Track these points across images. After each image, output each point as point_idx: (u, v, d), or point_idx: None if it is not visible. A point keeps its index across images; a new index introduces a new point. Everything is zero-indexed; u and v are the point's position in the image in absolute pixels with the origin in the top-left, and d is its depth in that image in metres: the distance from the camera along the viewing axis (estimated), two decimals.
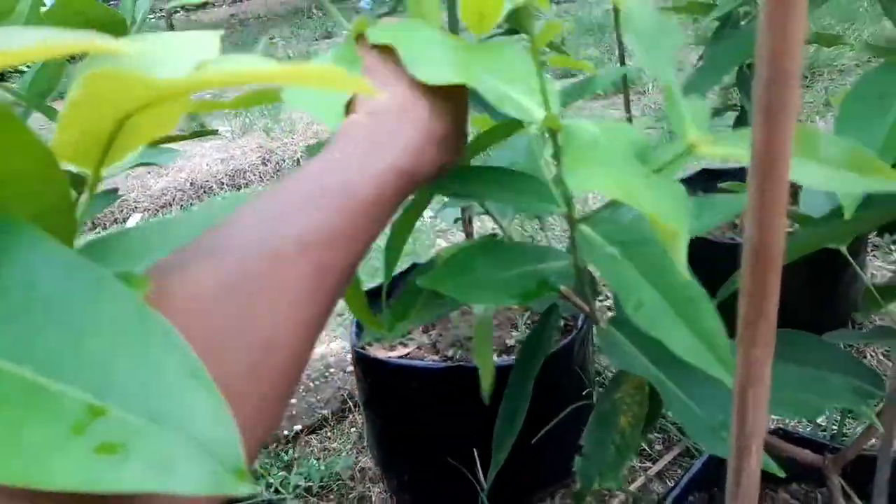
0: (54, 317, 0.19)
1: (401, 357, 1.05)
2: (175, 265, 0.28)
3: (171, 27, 4.84)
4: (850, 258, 0.71)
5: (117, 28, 0.75)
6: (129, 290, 0.20)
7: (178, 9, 5.50)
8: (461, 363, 1.02)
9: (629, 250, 0.42)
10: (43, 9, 0.73)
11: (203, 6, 5.83)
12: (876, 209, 0.49)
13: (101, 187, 0.94)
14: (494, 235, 0.61)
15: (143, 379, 0.18)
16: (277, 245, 0.29)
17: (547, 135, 0.39)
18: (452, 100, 0.39)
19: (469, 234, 1.01)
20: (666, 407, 0.48)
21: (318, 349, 1.45)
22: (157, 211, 2.40)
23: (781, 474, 0.45)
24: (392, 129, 0.36)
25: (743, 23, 0.98)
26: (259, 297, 0.27)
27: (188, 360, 0.19)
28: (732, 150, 0.27)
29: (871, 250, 1.46)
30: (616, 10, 1.23)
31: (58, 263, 0.20)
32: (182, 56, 0.35)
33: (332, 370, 1.39)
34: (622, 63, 1.32)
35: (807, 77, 2.63)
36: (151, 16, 5.25)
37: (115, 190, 0.94)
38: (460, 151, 0.42)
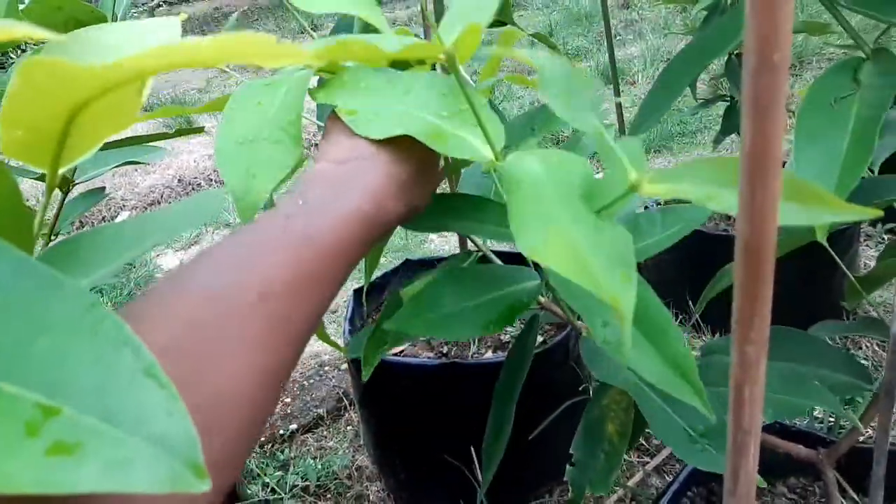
0: (1, 317, 0.18)
1: (395, 354, 1.04)
2: (132, 314, 0.27)
3: None
4: (830, 248, 0.71)
5: (97, 24, 0.73)
6: (80, 287, 0.19)
7: (161, 3, 5.45)
8: (456, 360, 1.01)
9: None
10: (21, 6, 0.71)
11: (186, 0, 5.78)
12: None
13: (88, 186, 0.92)
14: (469, 253, 0.60)
15: (96, 377, 0.18)
16: (235, 296, 0.29)
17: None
18: (418, 144, 0.38)
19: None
20: (645, 417, 0.47)
21: (312, 347, 1.44)
22: (146, 208, 2.37)
23: (763, 485, 0.45)
24: (355, 174, 0.36)
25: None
26: (215, 349, 0.27)
27: (141, 357, 0.19)
28: (675, 186, 0.26)
29: (864, 240, 1.46)
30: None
31: (2, 263, 0.19)
32: (137, 43, 0.34)
33: (326, 368, 1.38)
34: (611, 53, 1.31)
35: (795, 66, 2.63)
36: (134, 10, 5.19)
37: (102, 189, 0.92)
38: (428, 195, 0.42)
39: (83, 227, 2.23)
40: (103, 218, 2.31)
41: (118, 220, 2.29)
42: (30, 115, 0.26)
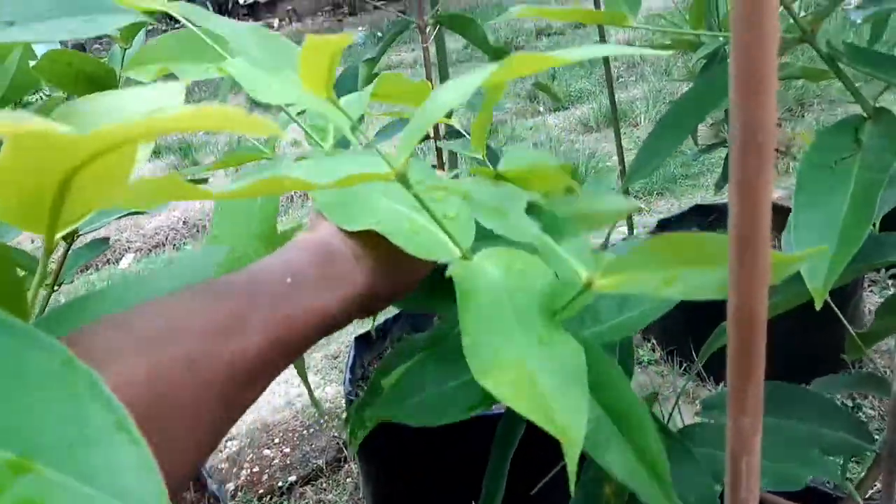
0: None
1: None
2: (96, 348, 0.27)
3: None
4: (832, 300, 0.70)
5: (106, 78, 0.75)
6: (55, 342, 0.19)
7: None
8: None
9: None
10: (32, 62, 0.72)
11: None
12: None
13: (92, 236, 0.93)
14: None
15: (70, 433, 0.18)
16: (205, 370, 0.28)
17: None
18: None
19: None
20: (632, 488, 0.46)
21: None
22: (150, 251, 2.38)
23: None
24: (344, 274, 0.36)
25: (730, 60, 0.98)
26: (171, 425, 0.27)
27: (114, 411, 0.18)
28: (627, 276, 0.26)
29: (868, 286, 1.45)
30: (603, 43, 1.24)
31: None
32: (142, 110, 0.34)
33: (326, 416, 1.37)
34: (612, 97, 1.33)
35: (796, 109, 2.65)
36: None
37: (106, 240, 0.93)
38: (403, 296, 0.42)
39: (87, 269, 2.24)
40: (108, 260, 2.32)
41: (123, 262, 2.30)
42: (22, 183, 0.27)
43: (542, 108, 3.21)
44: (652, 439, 0.34)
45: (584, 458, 0.56)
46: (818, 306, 0.43)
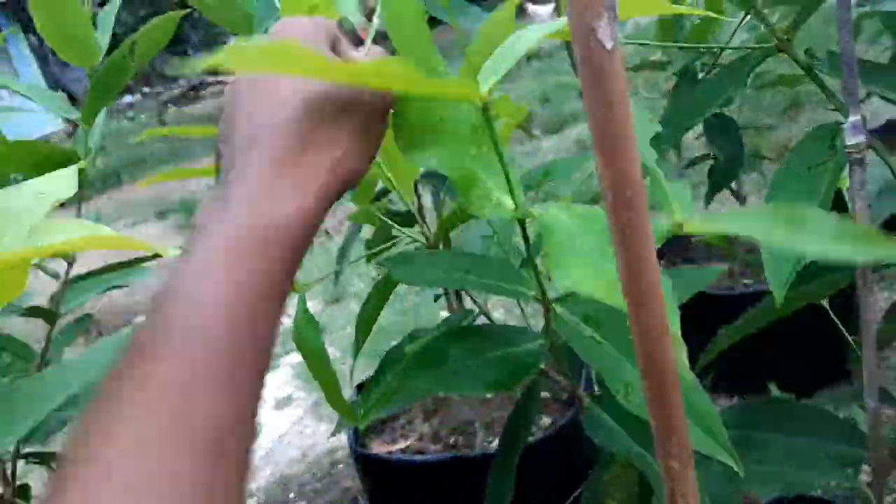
0: None
1: (401, 451, 1.02)
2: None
3: (163, 122, 5.06)
4: (832, 313, 0.69)
5: (69, 161, 0.76)
6: None
7: (170, 104, 5.68)
8: (460, 453, 0.99)
9: (607, 330, 0.41)
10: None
11: (195, 99, 6.03)
12: (819, 281, 0.48)
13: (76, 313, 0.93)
14: (470, 311, 0.61)
15: None
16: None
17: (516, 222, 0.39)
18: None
19: (455, 311, 0.98)
20: (653, 486, 0.45)
21: (324, 444, 1.41)
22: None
23: None
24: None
25: (701, 75, 0.97)
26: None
27: None
28: (720, 226, 0.26)
29: (879, 281, 1.42)
30: None
31: None
32: (35, 207, 0.35)
33: (339, 466, 1.35)
34: None
35: (790, 110, 2.64)
36: (143, 115, 5.47)
37: (89, 316, 0.93)
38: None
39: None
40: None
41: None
42: None
43: (537, 132, 3.22)
44: (701, 398, 0.36)
45: (584, 474, 0.54)
46: (778, 304, 0.44)
